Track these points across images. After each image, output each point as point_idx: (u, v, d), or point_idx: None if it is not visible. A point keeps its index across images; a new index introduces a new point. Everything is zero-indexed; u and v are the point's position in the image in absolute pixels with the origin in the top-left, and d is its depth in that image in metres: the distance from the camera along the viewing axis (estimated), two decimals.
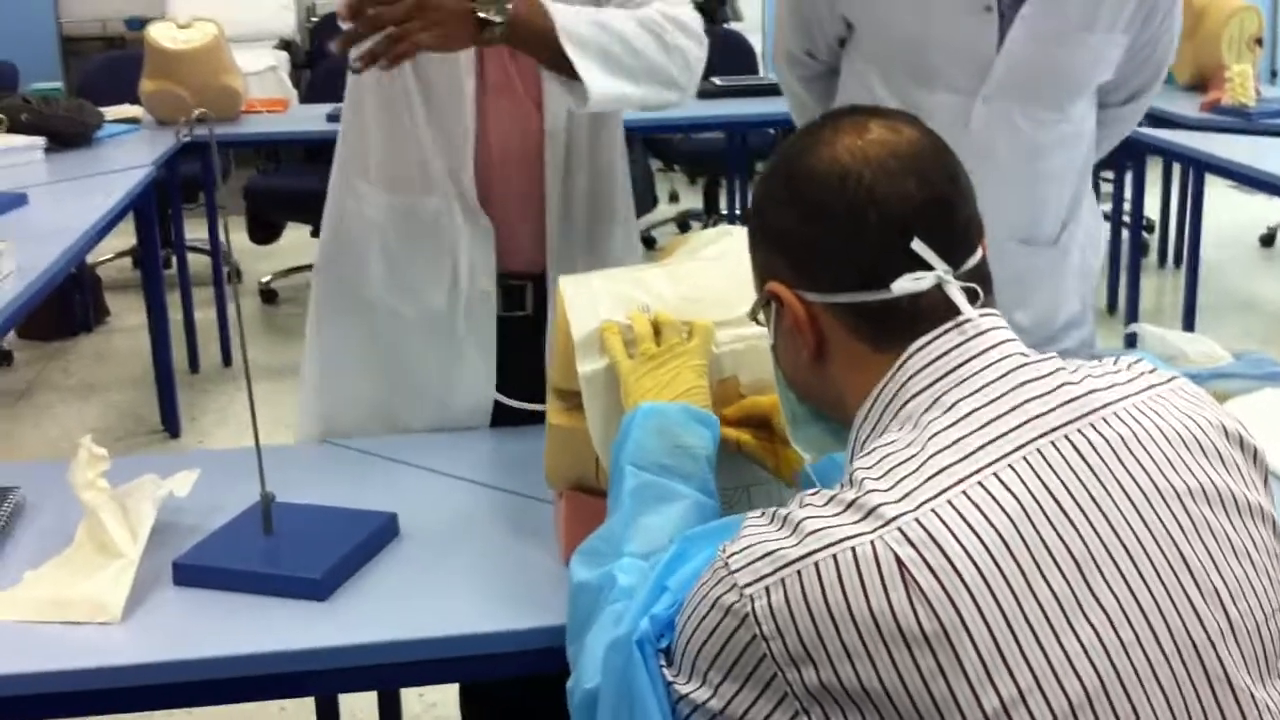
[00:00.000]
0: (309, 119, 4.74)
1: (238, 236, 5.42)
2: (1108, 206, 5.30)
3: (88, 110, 4.21)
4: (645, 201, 5.47)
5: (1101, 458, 1.01)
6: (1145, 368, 1.12)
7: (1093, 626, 0.95)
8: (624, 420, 1.32)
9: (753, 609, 0.98)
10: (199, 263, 5.22)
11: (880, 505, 0.97)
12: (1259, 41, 4.73)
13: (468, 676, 1.92)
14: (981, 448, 1.00)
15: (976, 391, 1.04)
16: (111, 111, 4.43)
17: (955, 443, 1.01)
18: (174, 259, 4.81)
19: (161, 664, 1.34)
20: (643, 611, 1.10)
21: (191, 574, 1.46)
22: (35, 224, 3.10)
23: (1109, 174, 5.39)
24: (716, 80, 4.88)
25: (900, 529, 0.96)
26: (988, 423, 1.02)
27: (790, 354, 1.15)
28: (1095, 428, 1.03)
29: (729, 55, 5.25)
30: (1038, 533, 0.97)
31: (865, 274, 1.07)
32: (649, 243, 5.85)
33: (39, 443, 4.19)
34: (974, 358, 1.06)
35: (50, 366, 4.87)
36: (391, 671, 1.41)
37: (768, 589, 0.98)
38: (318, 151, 4.95)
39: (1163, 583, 0.98)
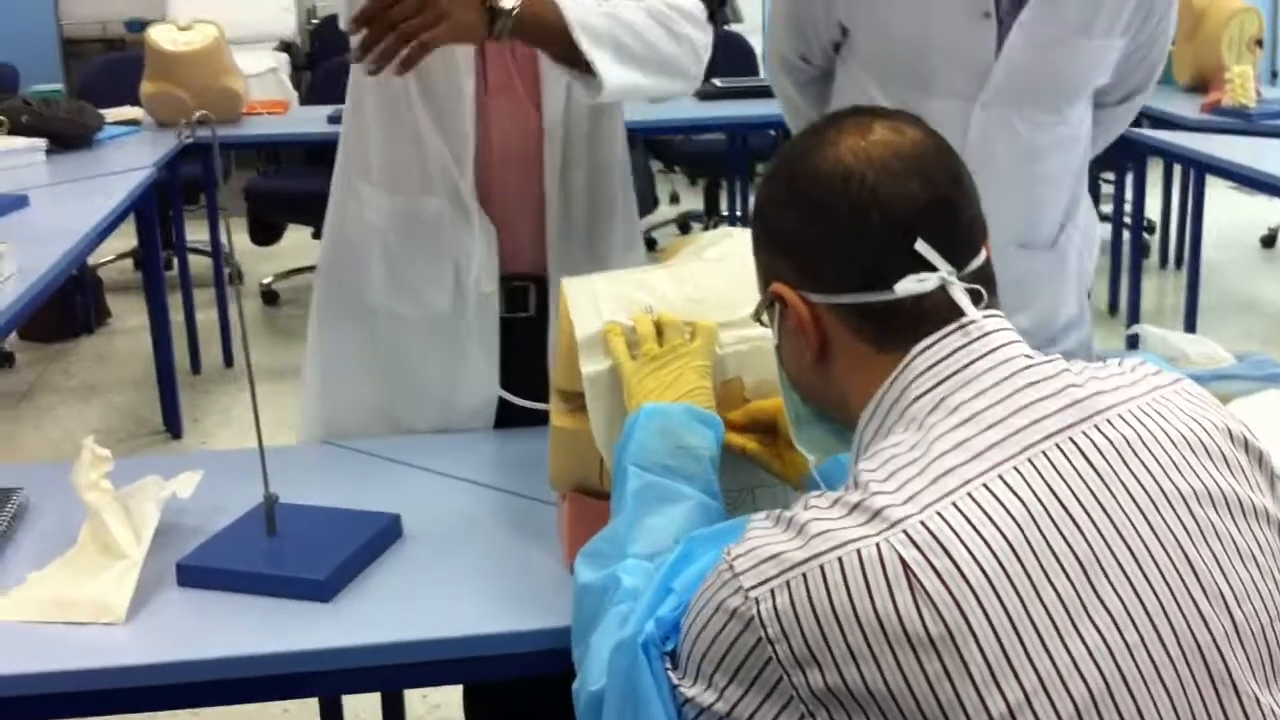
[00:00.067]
0: (309, 121, 4.74)
1: (239, 238, 5.42)
2: (1109, 208, 5.31)
3: (88, 112, 4.22)
4: (646, 203, 5.47)
5: (1106, 460, 1.01)
6: (1150, 369, 1.12)
7: (1098, 629, 0.95)
8: (627, 421, 1.32)
9: (758, 612, 0.98)
10: (200, 264, 5.22)
11: (885, 508, 0.97)
12: (1259, 43, 4.73)
13: (471, 678, 1.92)
14: (986, 450, 1.00)
15: (981, 394, 1.04)
16: (112, 113, 4.43)
17: (960, 445, 1.01)
18: (175, 260, 4.82)
19: (165, 665, 1.35)
20: (648, 613, 1.10)
21: (195, 575, 1.46)
22: (36, 226, 3.10)
23: (1110, 175, 5.39)
24: (717, 82, 4.89)
25: (905, 531, 0.96)
26: (992, 425, 1.02)
27: (794, 355, 1.15)
28: (1100, 430, 1.03)
29: (729, 57, 5.24)
30: (1043, 535, 0.97)
31: (869, 275, 1.07)
32: (649, 244, 5.85)
33: (40, 444, 4.19)
34: (978, 359, 1.06)
35: (52, 368, 4.87)
36: (395, 672, 1.41)
37: (773, 592, 0.98)
38: (318, 153, 4.95)
39: (1168, 585, 0.98)
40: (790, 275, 1.12)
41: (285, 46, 7.31)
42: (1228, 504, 1.03)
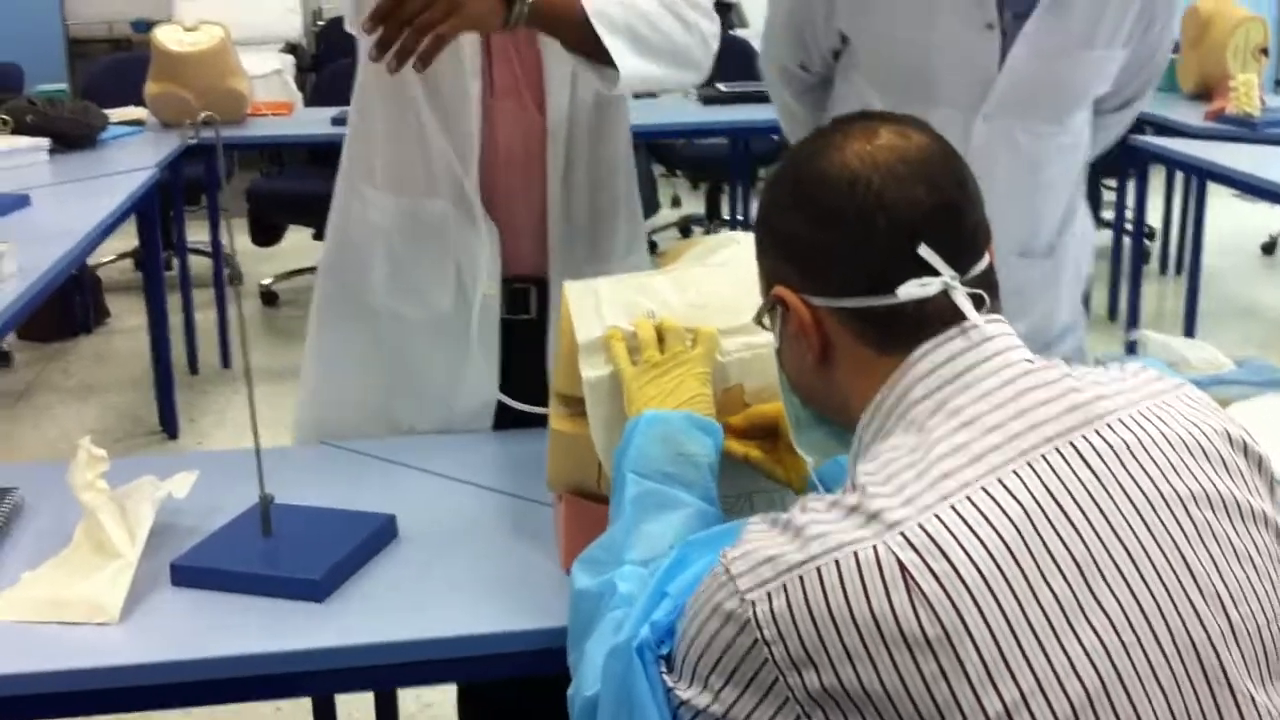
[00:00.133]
0: (314, 122, 4.74)
1: (239, 239, 5.42)
2: (1110, 214, 5.31)
3: (93, 112, 4.22)
4: (648, 206, 5.47)
5: (1105, 463, 1.01)
6: (1151, 374, 1.11)
7: (1094, 629, 0.95)
8: (627, 427, 1.31)
9: (754, 614, 0.98)
10: (200, 265, 5.22)
11: (883, 510, 0.97)
12: (1264, 51, 4.73)
13: (464, 677, 1.92)
14: (985, 453, 1.00)
15: (981, 398, 1.03)
16: (116, 113, 4.43)
17: (959, 448, 1.00)
18: (175, 260, 4.82)
19: (159, 664, 1.34)
20: (643, 618, 1.10)
21: (190, 575, 1.46)
22: (38, 225, 3.09)
23: (1111, 181, 5.39)
24: (720, 86, 4.89)
25: (903, 533, 0.96)
26: (992, 428, 1.01)
27: (795, 358, 1.15)
28: (1100, 434, 1.02)
29: (733, 61, 5.23)
30: (1040, 537, 0.97)
31: (873, 279, 1.07)
32: (650, 247, 5.84)
33: (38, 443, 4.19)
34: (979, 364, 1.05)
35: (50, 367, 4.87)
36: (388, 672, 1.40)
37: (769, 594, 0.97)
38: (322, 154, 4.94)
39: (1164, 586, 0.97)
40: (793, 279, 1.11)
41: (291, 48, 7.31)
42: (1225, 507, 1.03)
